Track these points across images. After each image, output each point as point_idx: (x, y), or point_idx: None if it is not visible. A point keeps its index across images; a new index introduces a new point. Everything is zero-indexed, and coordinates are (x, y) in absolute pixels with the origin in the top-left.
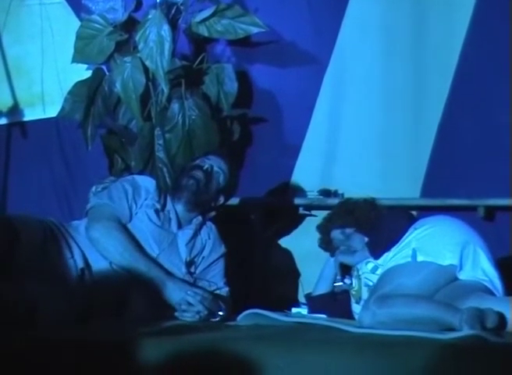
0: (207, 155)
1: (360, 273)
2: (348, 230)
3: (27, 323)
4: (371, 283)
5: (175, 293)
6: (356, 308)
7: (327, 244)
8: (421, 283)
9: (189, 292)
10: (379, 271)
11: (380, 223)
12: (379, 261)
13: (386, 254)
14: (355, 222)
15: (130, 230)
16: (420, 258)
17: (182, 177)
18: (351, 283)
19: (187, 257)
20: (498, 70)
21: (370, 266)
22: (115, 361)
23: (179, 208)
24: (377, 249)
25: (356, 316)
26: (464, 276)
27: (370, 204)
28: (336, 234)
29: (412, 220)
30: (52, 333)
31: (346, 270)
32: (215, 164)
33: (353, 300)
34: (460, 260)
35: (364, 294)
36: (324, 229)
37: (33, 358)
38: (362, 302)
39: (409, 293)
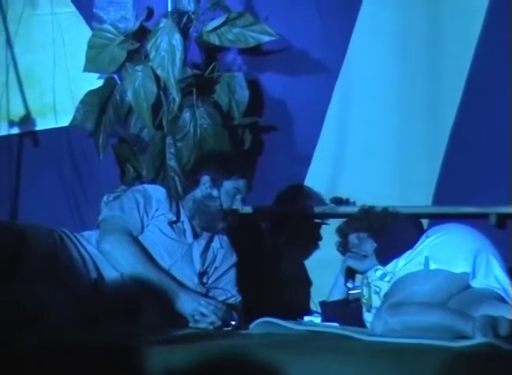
0: (232, 169)
1: (369, 280)
2: (362, 235)
3: (37, 328)
4: (379, 290)
5: (187, 304)
6: (367, 316)
7: (344, 247)
8: (434, 291)
9: (202, 302)
10: (388, 278)
11: (388, 230)
12: (388, 268)
13: (396, 261)
14: (369, 227)
15: (142, 241)
16: (432, 266)
17: (216, 216)
18: (354, 287)
19: (201, 268)
20: (510, 77)
21: (378, 273)
22: (126, 367)
23: (195, 222)
24: (384, 256)
25: (368, 325)
26: (476, 283)
27: (387, 212)
28: (352, 238)
29: (421, 228)
30: (61, 337)
31: (351, 274)
32: (243, 193)
33: (364, 308)
34: (472, 268)
35: (375, 302)
36: (342, 232)
37: (41, 362)
38: (373, 310)
39: (421, 301)
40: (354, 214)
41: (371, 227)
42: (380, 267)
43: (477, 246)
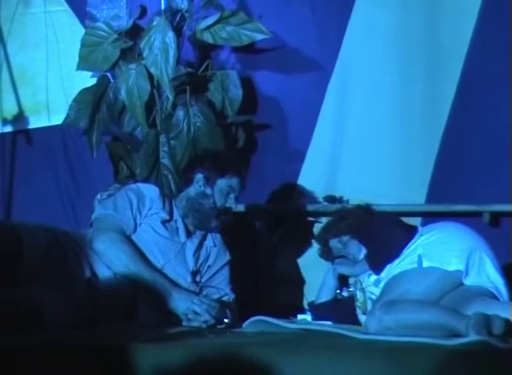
0: (227, 165)
1: (363, 285)
2: (344, 238)
3: (33, 327)
4: (374, 297)
5: (181, 302)
6: (363, 318)
7: (327, 253)
8: (427, 289)
9: (195, 301)
10: (382, 284)
11: (377, 236)
12: (382, 274)
13: (389, 266)
14: (349, 228)
15: (135, 240)
16: (426, 264)
17: (210, 214)
18: (349, 295)
19: (194, 266)
20: (503, 76)
21: (372, 278)
22: (119, 366)
23: (188, 220)
24: (377, 264)
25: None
26: (469, 281)
27: (363, 209)
28: (334, 243)
29: (411, 232)
30: (56, 337)
31: (344, 280)
32: (236, 191)
33: (359, 311)
34: (466, 266)
35: (369, 306)
36: (321, 239)
37: (39, 363)
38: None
39: (415, 299)
40: (329, 219)
41: (350, 228)
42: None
43: (470, 244)
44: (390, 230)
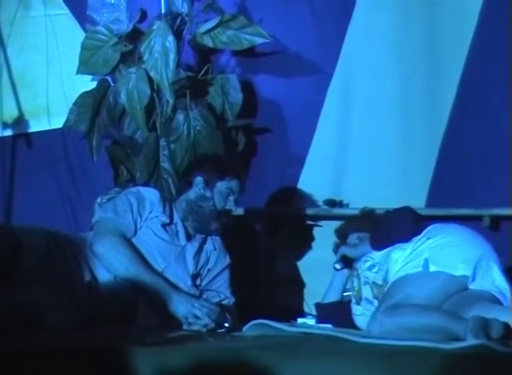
0: (227, 168)
1: (359, 271)
2: (363, 235)
3: (33, 329)
4: (367, 280)
5: (181, 306)
6: (356, 309)
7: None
8: (431, 293)
9: (195, 304)
10: (376, 269)
11: (386, 218)
12: (377, 259)
13: (387, 253)
14: (371, 227)
15: (135, 244)
16: (432, 269)
17: (210, 216)
18: (342, 268)
19: (194, 270)
20: (503, 79)
21: (367, 264)
22: (119, 369)
23: (188, 223)
24: (378, 241)
25: (355, 318)
26: (474, 286)
27: (386, 212)
28: (352, 239)
29: (419, 220)
30: (56, 339)
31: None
32: (236, 194)
33: (353, 301)
34: (473, 271)
35: (365, 293)
36: (342, 232)
37: (37, 364)
38: (363, 302)
39: (419, 303)
40: (355, 215)
41: (371, 226)
42: (369, 258)
43: (478, 250)
44: (400, 215)
